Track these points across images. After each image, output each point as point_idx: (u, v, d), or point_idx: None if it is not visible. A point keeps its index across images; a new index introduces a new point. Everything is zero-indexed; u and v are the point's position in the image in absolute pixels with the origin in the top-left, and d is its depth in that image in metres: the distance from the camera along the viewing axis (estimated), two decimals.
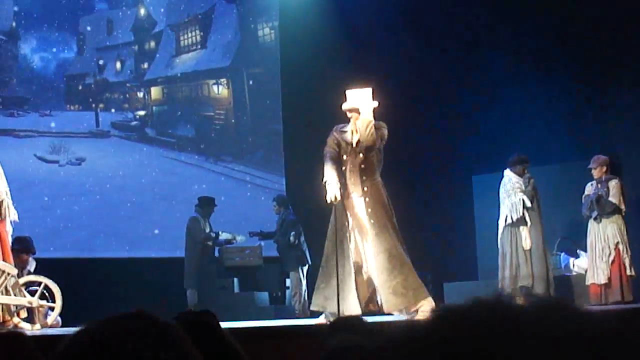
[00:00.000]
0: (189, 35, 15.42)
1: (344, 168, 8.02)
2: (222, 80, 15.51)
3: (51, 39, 14.11)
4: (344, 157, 8.03)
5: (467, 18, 14.09)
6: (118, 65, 14.78)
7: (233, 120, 15.49)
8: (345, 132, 8.13)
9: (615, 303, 10.85)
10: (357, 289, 7.86)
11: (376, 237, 7.92)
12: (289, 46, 15.31)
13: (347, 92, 8.26)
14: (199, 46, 15.46)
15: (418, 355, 0.97)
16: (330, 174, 7.93)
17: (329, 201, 7.89)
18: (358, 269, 7.97)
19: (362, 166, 8.05)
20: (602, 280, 11.12)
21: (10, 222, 8.20)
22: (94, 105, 14.44)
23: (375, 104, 8.16)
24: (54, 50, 14.14)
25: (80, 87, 14.39)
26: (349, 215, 8.01)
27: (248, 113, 15.52)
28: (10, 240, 8.33)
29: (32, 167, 13.40)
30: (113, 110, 14.59)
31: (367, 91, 8.19)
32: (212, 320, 2.39)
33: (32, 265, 9.83)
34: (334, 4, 14.84)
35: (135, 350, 1.25)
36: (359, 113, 8.07)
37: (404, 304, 7.83)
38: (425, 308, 7.80)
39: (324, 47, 14.54)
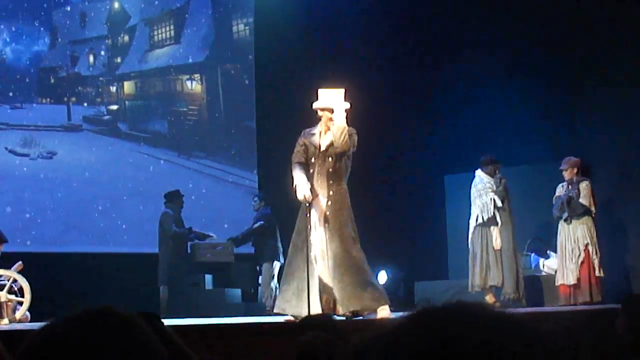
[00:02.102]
0: (163, 30, 15.32)
1: (311, 171, 7.92)
2: (195, 75, 15.44)
3: (24, 31, 13.98)
4: (312, 159, 7.93)
5: (442, 17, 14.14)
6: (91, 59, 14.65)
7: (206, 116, 15.44)
8: (314, 134, 8.04)
9: (584, 304, 10.92)
10: (322, 290, 7.80)
11: (329, 241, 7.80)
12: (263, 43, 15.29)
13: (320, 91, 8.14)
14: (173, 41, 15.36)
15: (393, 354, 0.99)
16: (299, 176, 7.86)
17: (301, 200, 7.84)
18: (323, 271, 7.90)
19: (330, 170, 7.93)
20: (572, 280, 11.19)
21: None
22: (65, 99, 14.31)
23: (348, 105, 8.05)
24: (27, 42, 14.00)
25: (52, 81, 14.26)
26: (314, 217, 7.89)
27: (221, 109, 15.46)
28: None
29: (2, 160, 13.31)
30: (85, 104, 14.45)
31: (340, 92, 8.07)
32: (155, 320, 2.39)
33: None
34: (309, 2, 14.85)
35: (97, 346, 1.25)
36: (331, 112, 7.99)
37: (356, 307, 7.71)
38: (383, 315, 7.75)
39: (299, 45, 14.57)
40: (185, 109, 15.31)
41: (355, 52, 14.50)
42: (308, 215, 7.82)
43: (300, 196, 7.79)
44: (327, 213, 7.83)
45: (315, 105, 8.13)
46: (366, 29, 14.51)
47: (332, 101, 8.00)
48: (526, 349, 1.02)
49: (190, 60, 15.44)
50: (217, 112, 15.45)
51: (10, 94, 13.77)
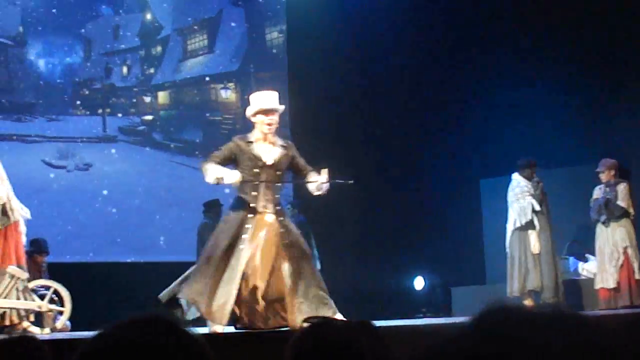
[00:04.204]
0: (197, 39, 15.37)
1: (256, 183, 7.35)
2: (229, 84, 15.45)
3: (57, 44, 14.08)
4: (255, 170, 7.38)
5: (475, 20, 14.09)
6: (124, 70, 14.73)
7: (241, 125, 15.41)
8: (252, 142, 7.54)
9: (625, 307, 10.82)
10: (238, 298, 7.17)
11: (282, 258, 7.29)
12: (296, 50, 15.28)
13: (252, 96, 7.77)
14: (207, 50, 15.40)
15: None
16: (217, 168, 7.34)
17: (233, 182, 7.35)
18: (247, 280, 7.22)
19: (278, 185, 7.51)
20: (611, 284, 11.09)
21: (25, 221, 8.22)
22: (100, 111, 14.39)
23: (283, 107, 7.71)
24: (60, 55, 14.12)
25: (86, 92, 14.34)
26: (252, 226, 7.31)
27: None
28: (24, 240, 8.37)
29: (39, 173, 13.38)
30: (120, 115, 14.52)
31: (274, 94, 7.69)
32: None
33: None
34: (342, 8, 14.86)
35: (149, 351, 1.26)
36: (267, 115, 7.52)
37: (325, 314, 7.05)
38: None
39: (332, 51, 14.56)
40: (219, 118, 15.31)
41: (389, 56, 14.49)
42: (244, 222, 7.29)
43: (234, 181, 7.31)
44: (282, 230, 7.34)
45: (249, 111, 7.70)
46: (399, 33, 14.48)
47: (269, 103, 7.59)
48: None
49: (225, 69, 15.44)
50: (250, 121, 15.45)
51: (46, 106, 13.87)
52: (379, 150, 14.45)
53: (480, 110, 13.99)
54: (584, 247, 12.27)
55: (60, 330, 8.57)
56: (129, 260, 13.25)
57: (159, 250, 13.69)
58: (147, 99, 14.88)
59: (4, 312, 7.88)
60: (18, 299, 7.91)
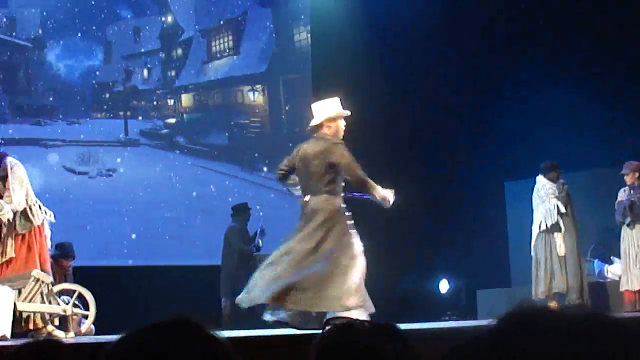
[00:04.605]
0: (222, 41, 15.16)
1: (344, 184, 7.89)
2: (257, 86, 15.20)
3: (77, 46, 13.93)
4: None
5: (500, 23, 14.06)
6: (145, 72, 14.57)
7: (268, 128, 15.20)
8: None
9: None
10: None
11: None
12: (320, 50, 15.17)
13: (316, 104, 8.16)
14: (232, 52, 15.18)
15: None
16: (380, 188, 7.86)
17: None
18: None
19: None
20: (636, 286, 11.04)
21: (49, 224, 8.27)
22: (121, 114, 14.22)
23: (348, 112, 8.05)
24: (79, 58, 13.94)
25: (107, 95, 14.18)
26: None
27: (283, 120, 15.26)
28: (49, 244, 8.42)
29: (60, 179, 13.20)
30: (141, 118, 14.36)
31: (336, 100, 8.09)
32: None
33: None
34: (366, 8, 14.82)
35: (174, 353, 1.25)
36: (334, 121, 7.95)
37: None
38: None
39: (356, 52, 14.53)
40: (247, 121, 15.10)
41: (414, 58, 14.47)
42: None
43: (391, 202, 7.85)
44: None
45: (312, 123, 8.13)
46: (424, 34, 14.44)
47: (331, 110, 8.02)
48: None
49: (251, 71, 15.22)
50: (279, 123, 15.24)
51: (66, 109, 13.70)
52: (403, 152, 14.42)
53: (504, 113, 13.94)
54: (609, 249, 12.21)
55: (85, 334, 8.60)
56: (153, 264, 13.20)
57: (186, 255, 13.55)
58: (171, 102, 14.72)
59: (28, 316, 7.92)
60: (42, 302, 7.94)
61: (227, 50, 15.18)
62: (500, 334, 1.01)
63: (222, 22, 15.23)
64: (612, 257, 12.22)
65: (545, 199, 11.14)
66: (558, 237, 11.05)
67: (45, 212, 8.20)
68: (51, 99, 13.72)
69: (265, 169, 14.72)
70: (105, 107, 14.16)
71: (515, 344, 0.99)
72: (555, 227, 11.05)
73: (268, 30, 15.45)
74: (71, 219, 12.36)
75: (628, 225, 11.20)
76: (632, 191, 11.24)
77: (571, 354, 0.96)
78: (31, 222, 8.01)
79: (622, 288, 11.25)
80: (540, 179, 11.31)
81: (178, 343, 1.27)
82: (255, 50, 15.29)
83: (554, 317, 1.01)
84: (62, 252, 10.34)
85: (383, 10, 14.73)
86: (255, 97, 15.24)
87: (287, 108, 15.37)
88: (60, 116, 13.65)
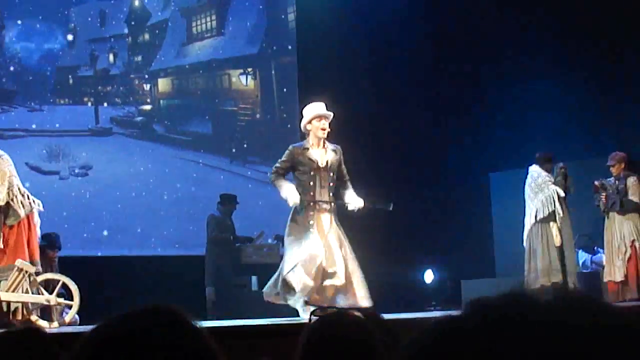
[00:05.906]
0: (203, 20, 14.10)
1: (311, 183, 8.14)
2: (248, 70, 14.19)
3: (35, 28, 12.88)
4: (311, 173, 8.15)
5: (483, 12, 14.05)
6: (111, 57, 13.47)
7: (259, 115, 14.31)
8: (308, 148, 8.26)
9: (632, 300, 10.80)
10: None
11: (344, 247, 8.15)
12: (305, 33, 14.59)
13: (305, 108, 8.42)
14: (215, 32, 14.16)
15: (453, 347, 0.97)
16: (287, 187, 8.11)
17: (291, 205, 8.10)
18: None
19: (331, 184, 8.24)
20: (619, 277, 11.08)
21: (38, 213, 8.22)
22: (86, 99, 13.17)
23: (331, 114, 8.29)
24: (38, 40, 12.87)
25: (71, 80, 13.14)
26: (313, 222, 8.13)
27: (275, 106, 14.33)
28: (39, 233, 8.38)
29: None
30: (109, 105, 13.33)
31: (322, 105, 8.35)
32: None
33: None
34: (353, 1, 14.76)
35: (150, 342, 1.24)
36: (319, 120, 8.20)
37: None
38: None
39: (342, 45, 14.47)
40: (235, 108, 14.19)
41: (399, 48, 14.46)
42: (307, 218, 8.11)
43: (292, 203, 8.06)
44: (334, 224, 8.21)
45: (303, 123, 8.35)
46: (410, 26, 14.42)
47: (319, 111, 8.29)
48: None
49: (239, 53, 14.22)
50: (271, 111, 14.32)
51: (26, 94, 12.68)
52: (387, 144, 14.40)
53: (489, 103, 13.96)
54: (593, 240, 12.24)
55: (69, 324, 8.56)
56: (137, 254, 13.06)
57: (167, 244, 13.28)
58: (147, 87, 13.68)
59: (16, 308, 7.88)
60: (26, 292, 7.90)
61: (210, 31, 14.18)
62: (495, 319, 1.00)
63: (203, 0, 14.25)
64: (596, 248, 12.24)
65: (543, 187, 11.05)
66: (554, 228, 11.02)
67: (34, 201, 8.14)
68: (10, 83, 12.70)
69: (255, 160, 13.98)
70: (69, 92, 13.11)
71: (510, 332, 0.97)
72: (552, 216, 10.99)
73: (256, 8, 14.43)
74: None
75: (617, 211, 11.18)
76: (617, 182, 11.25)
77: (561, 335, 0.95)
78: (18, 214, 7.95)
79: (605, 279, 11.29)
80: (535, 169, 11.21)
81: (147, 329, 1.26)
82: (242, 31, 14.26)
83: (545, 301, 1.00)
84: (48, 242, 10.29)
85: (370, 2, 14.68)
86: (247, 81, 14.29)
87: (283, 91, 14.36)
88: (21, 102, 12.66)
